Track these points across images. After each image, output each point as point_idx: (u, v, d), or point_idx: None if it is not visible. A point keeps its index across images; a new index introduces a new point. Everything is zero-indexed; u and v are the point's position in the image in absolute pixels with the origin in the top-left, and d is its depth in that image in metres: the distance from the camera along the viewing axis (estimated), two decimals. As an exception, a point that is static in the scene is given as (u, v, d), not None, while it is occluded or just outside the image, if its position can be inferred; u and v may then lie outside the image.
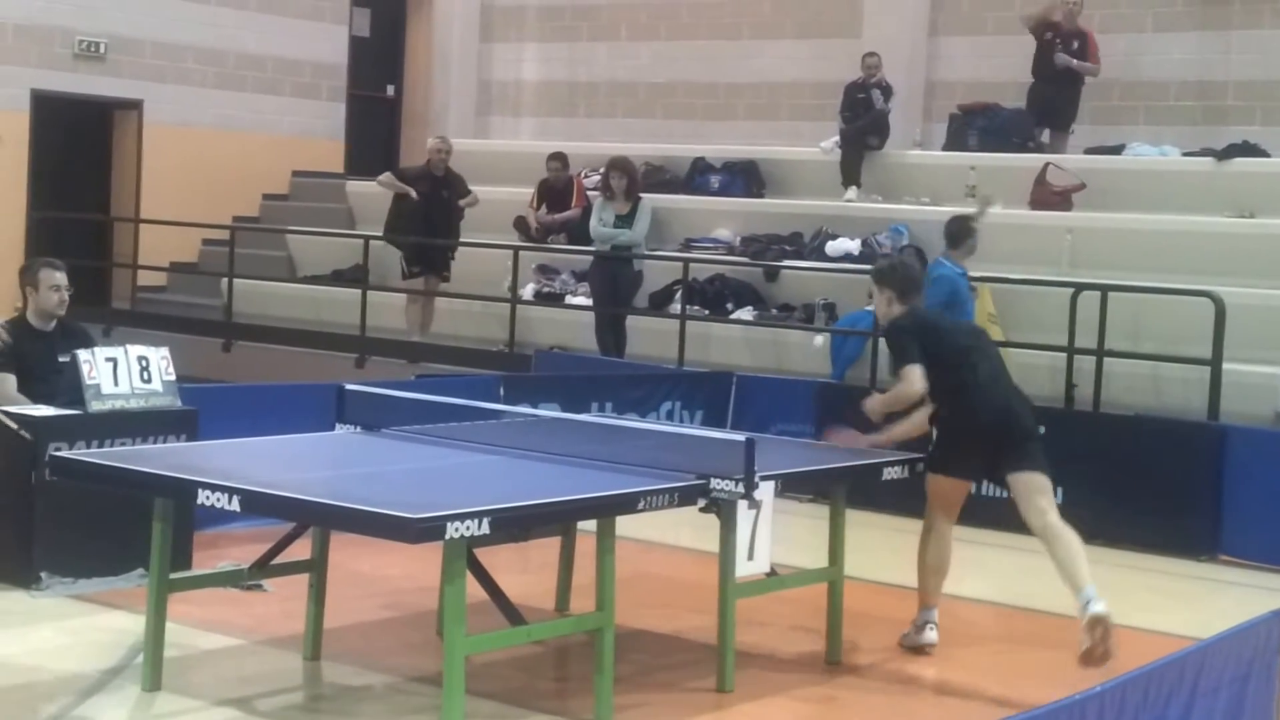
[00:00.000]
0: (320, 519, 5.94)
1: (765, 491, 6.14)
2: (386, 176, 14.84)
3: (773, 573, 6.59)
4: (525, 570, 7.65)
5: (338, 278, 15.67)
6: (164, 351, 7.86)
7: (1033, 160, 13.85)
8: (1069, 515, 6.85)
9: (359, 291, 14.46)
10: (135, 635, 6.35)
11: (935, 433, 7.16)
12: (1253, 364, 10.94)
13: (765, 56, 17.41)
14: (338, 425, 7.01)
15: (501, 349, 13.64)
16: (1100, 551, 6.85)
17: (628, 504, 5.79)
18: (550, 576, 7.46)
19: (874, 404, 7.31)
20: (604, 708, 5.83)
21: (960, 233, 10.42)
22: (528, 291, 14.47)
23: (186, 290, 16.89)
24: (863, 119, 14.66)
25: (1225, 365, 10.56)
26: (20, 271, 8.78)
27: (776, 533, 6.38)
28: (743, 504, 6.10)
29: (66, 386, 7.56)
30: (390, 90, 19.79)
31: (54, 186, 16.54)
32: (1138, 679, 4.20)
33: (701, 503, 6.12)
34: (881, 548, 8.70)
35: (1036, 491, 6.89)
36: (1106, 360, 10.92)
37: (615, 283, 13.49)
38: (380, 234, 14.77)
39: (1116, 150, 14.10)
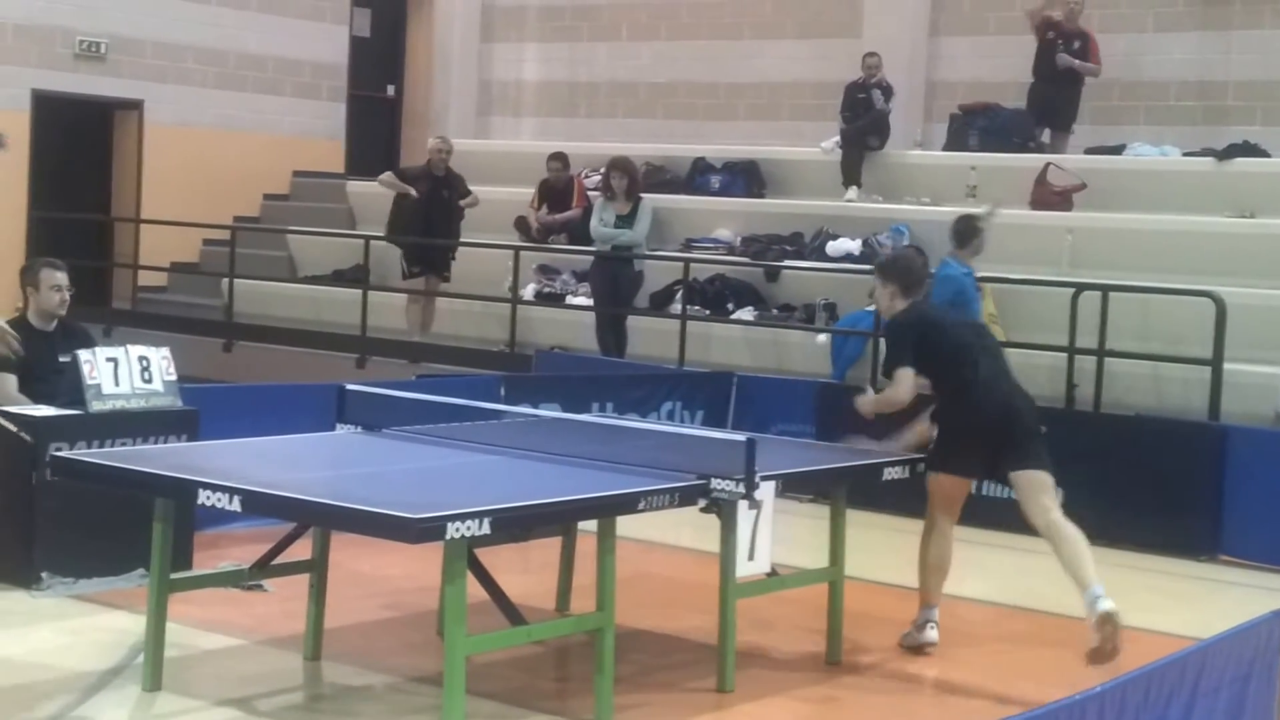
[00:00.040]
0: (321, 519, 5.94)
1: (766, 492, 6.14)
2: (387, 176, 14.84)
3: (773, 573, 6.59)
4: (526, 570, 7.65)
5: (338, 278, 15.68)
6: (165, 351, 7.86)
7: (1033, 160, 13.85)
8: (1070, 515, 6.84)
9: (360, 292, 14.46)
10: (136, 635, 6.35)
11: (936, 430, 7.16)
12: (1253, 364, 10.94)
13: (766, 56, 17.41)
14: (338, 425, 7.01)
15: (502, 349, 13.65)
16: (1101, 551, 6.83)
17: (628, 504, 5.79)
18: (551, 576, 7.46)
19: (865, 404, 7.31)
20: (604, 708, 5.83)
21: (967, 232, 10.41)
22: (528, 292, 14.47)
23: (187, 290, 16.89)
24: (863, 119, 14.67)
25: (1226, 365, 10.56)
26: (21, 271, 8.79)
27: (777, 533, 6.37)
28: (743, 504, 6.09)
29: (67, 386, 7.56)
30: (391, 90, 19.79)
31: (54, 186, 16.54)
32: (1138, 679, 4.20)
33: (702, 503, 6.12)
34: (882, 548, 8.70)
35: (1040, 490, 6.89)
36: (1107, 360, 10.92)
37: (616, 283, 13.48)
38: (382, 234, 14.78)
39: (1117, 150, 14.11)
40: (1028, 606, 8.23)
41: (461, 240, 14.46)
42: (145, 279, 16.84)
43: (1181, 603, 8.77)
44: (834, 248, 13.65)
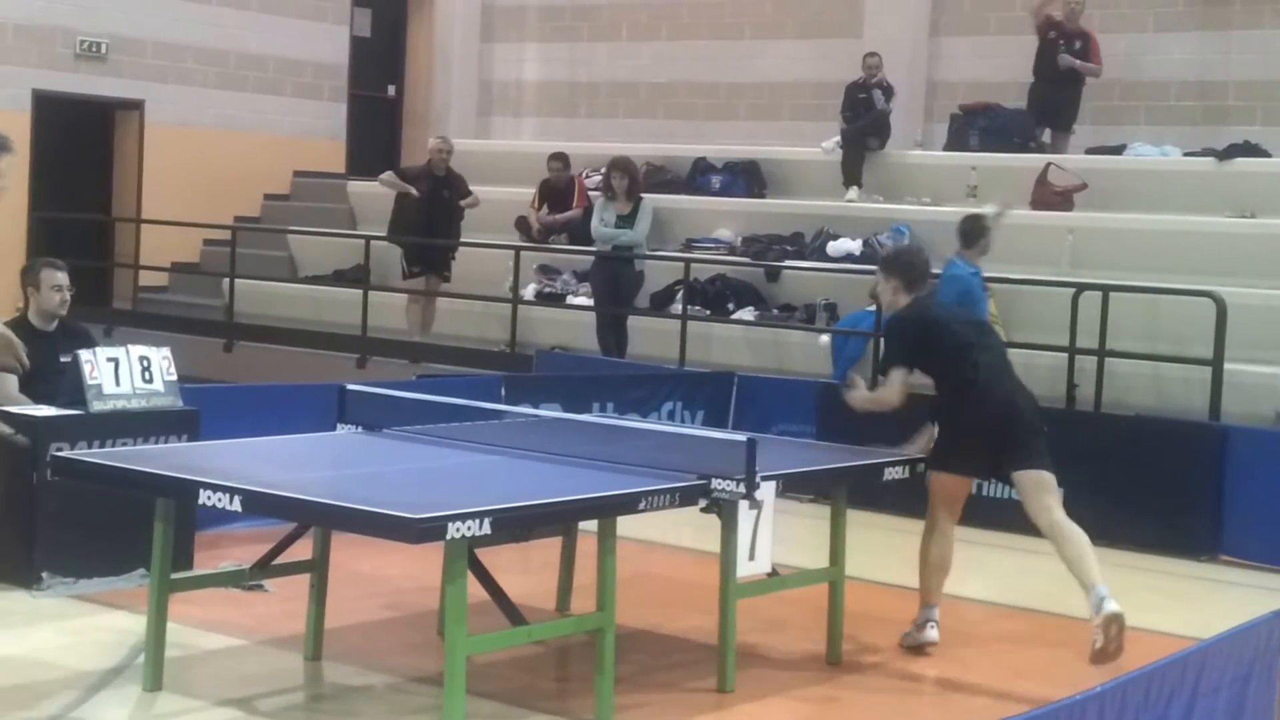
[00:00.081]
0: (321, 519, 5.95)
1: (766, 492, 6.14)
2: (388, 175, 14.85)
3: (774, 573, 6.59)
4: (526, 570, 7.65)
5: (339, 278, 15.68)
6: (165, 351, 7.86)
7: (1034, 160, 13.85)
8: (1070, 515, 6.84)
9: (360, 292, 14.47)
10: (136, 635, 6.35)
11: (937, 429, 7.15)
12: (1254, 364, 10.94)
13: (766, 56, 17.41)
14: (339, 425, 7.01)
15: (503, 349, 13.65)
16: (1101, 551, 6.82)
17: (629, 504, 5.79)
18: (551, 577, 7.46)
19: (857, 400, 7.31)
20: (604, 708, 5.83)
21: (974, 231, 10.41)
22: (529, 292, 14.47)
23: (188, 290, 16.90)
24: (864, 119, 14.67)
25: (1226, 365, 10.56)
26: (22, 272, 8.79)
27: (777, 533, 6.38)
28: (744, 504, 6.10)
29: (68, 386, 7.56)
30: (391, 90, 19.79)
31: (55, 186, 16.53)
32: (1139, 679, 4.20)
33: (702, 503, 6.12)
34: (883, 548, 8.70)
35: (1042, 490, 6.88)
36: (1108, 360, 10.93)
37: (616, 283, 13.48)
38: (382, 234, 14.78)
39: (1118, 150, 14.11)
40: (1028, 606, 8.23)
41: (462, 240, 14.46)
42: (146, 279, 16.84)
43: (1182, 603, 8.77)
44: (834, 248, 13.66)
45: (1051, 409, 9.77)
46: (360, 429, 6.99)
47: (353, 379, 9.21)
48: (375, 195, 15.53)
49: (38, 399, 7.76)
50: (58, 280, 8.37)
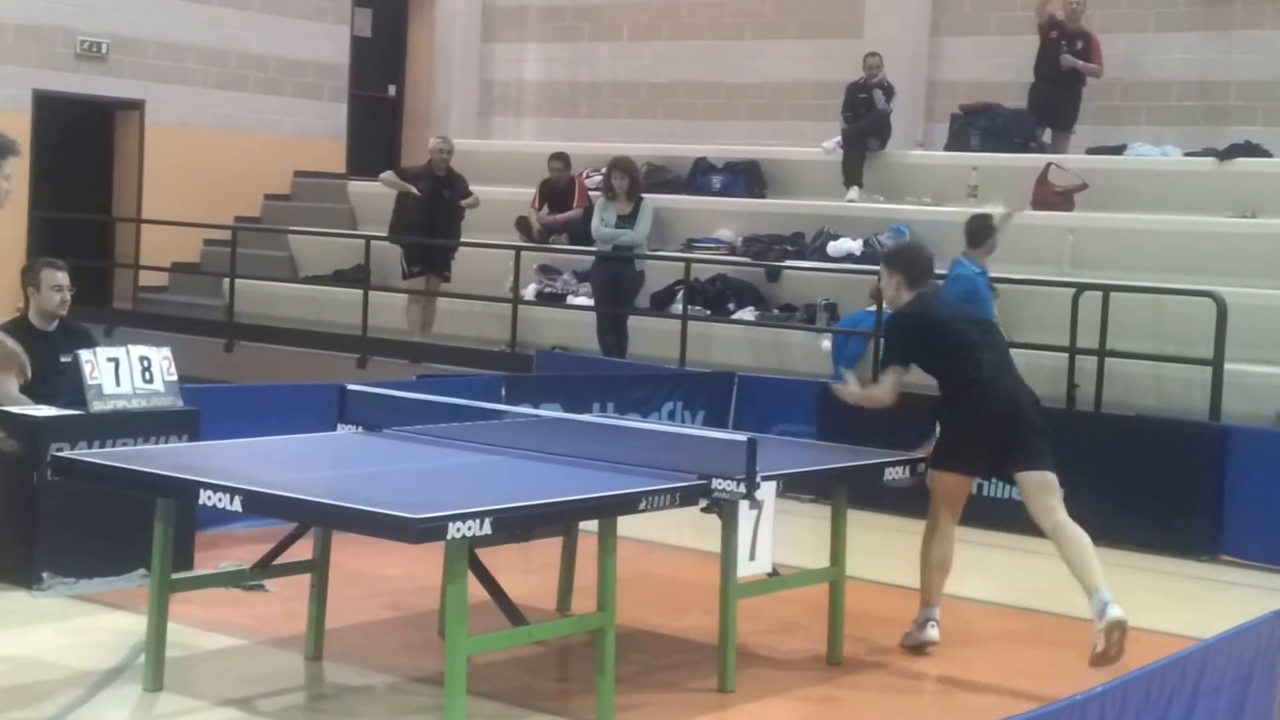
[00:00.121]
0: (322, 519, 5.94)
1: (767, 492, 6.14)
2: (388, 175, 14.86)
3: (774, 573, 6.59)
4: (527, 570, 7.65)
5: (339, 278, 15.68)
6: (166, 352, 7.86)
7: (1034, 160, 13.85)
8: (1070, 515, 6.84)
9: (360, 292, 14.47)
10: (137, 635, 6.35)
11: (939, 428, 7.15)
12: (1254, 364, 10.94)
13: (767, 56, 17.40)
14: (339, 425, 7.01)
15: (503, 349, 13.65)
16: (1102, 551, 6.82)
17: (629, 504, 5.79)
18: (552, 577, 7.46)
19: (847, 394, 7.31)
20: (605, 708, 5.83)
21: (980, 231, 10.39)
22: (529, 292, 14.47)
23: (188, 290, 16.90)
24: (864, 119, 14.67)
25: (1227, 365, 10.56)
26: (22, 272, 8.80)
27: (778, 533, 6.38)
28: (744, 504, 6.10)
29: (68, 386, 7.56)
30: (392, 90, 19.79)
31: (55, 186, 16.53)
32: (1139, 679, 4.20)
33: (703, 503, 6.12)
34: (883, 548, 8.70)
35: (1045, 490, 6.88)
36: (1108, 360, 10.92)
37: (617, 283, 13.48)
38: (383, 234, 14.78)
39: (1118, 150, 14.11)
40: (1029, 606, 8.23)
41: (462, 240, 14.46)
42: (146, 279, 16.84)
43: (1182, 603, 8.77)
44: (835, 248, 13.66)
45: (1052, 409, 9.75)
46: (360, 429, 6.99)
47: (353, 379, 9.20)
48: (376, 195, 15.53)
49: (38, 399, 7.75)
50: (58, 280, 8.38)
